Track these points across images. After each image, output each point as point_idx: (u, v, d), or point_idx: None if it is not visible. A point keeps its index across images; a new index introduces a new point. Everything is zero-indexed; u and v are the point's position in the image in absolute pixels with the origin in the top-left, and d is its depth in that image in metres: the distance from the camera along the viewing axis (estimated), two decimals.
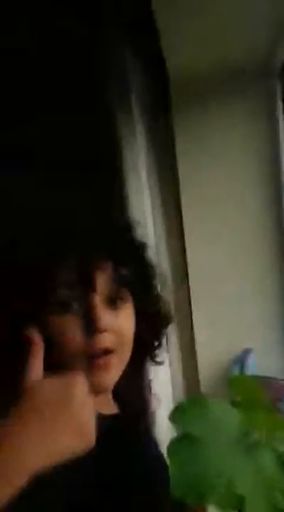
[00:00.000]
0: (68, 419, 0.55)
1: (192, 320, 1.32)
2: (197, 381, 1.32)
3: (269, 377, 1.45)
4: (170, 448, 0.55)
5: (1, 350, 0.65)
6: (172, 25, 1.06)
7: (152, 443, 0.85)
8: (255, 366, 1.49)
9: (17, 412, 0.53)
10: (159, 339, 0.84)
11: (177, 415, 0.59)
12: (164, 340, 0.86)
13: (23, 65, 1.21)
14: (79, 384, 0.58)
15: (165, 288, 0.87)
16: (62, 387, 0.57)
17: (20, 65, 1.21)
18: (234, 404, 0.63)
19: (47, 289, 0.67)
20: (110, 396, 0.77)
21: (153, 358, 0.85)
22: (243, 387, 0.65)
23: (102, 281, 0.69)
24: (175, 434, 0.60)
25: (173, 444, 0.55)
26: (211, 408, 0.60)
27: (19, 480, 0.49)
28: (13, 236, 0.73)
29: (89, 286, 0.68)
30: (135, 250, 0.80)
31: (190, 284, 1.33)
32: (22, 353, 0.61)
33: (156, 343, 0.84)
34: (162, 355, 0.87)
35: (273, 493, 0.54)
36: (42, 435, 0.52)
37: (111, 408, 0.77)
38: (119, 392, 0.79)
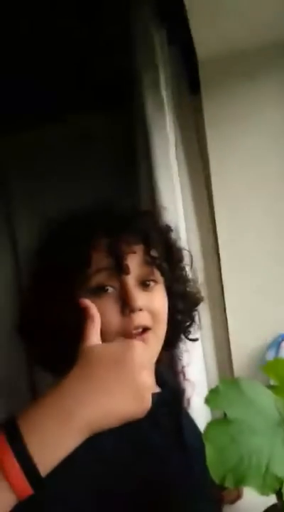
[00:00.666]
0: (124, 380, 0.56)
1: (224, 303, 1.30)
2: (231, 367, 1.31)
3: None
4: (207, 431, 0.55)
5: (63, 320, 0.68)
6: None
7: (192, 421, 0.89)
8: None
9: (76, 371, 0.56)
10: (191, 318, 0.87)
11: (213, 398, 0.58)
12: (196, 318, 0.88)
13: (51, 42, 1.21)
14: (138, 348, 0.59)
15: (195, 270, 0.89)
16: (120, 349, 0.58)
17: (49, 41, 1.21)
18: (270, 388, 0.62)
19: (82, 274, 0.69)
20: (153, 375, 0.79)
21: (186, 335, 0.87)
22: (279, 372, 0.65)
23: (134, 264, 0.72)
24: (209, 419, 0.59)
25: (210, 427, 0.55)
26: (247, 390, 0.60)
27: (78, 433, 0.52)
28: (53, 226, 0.77)
29: (122, 270, 0.69)
30: (164, 233, 0.83)
31: (222, 265, 1.31)
32: (81, 321, 0.63)
33: (188, 322, 0.86)
34: (195, 332, 0.89)
35: None
36: (99, 393, 0.54)
37: (154, 387, 0.78)
38: (157, 374, 0.81)
